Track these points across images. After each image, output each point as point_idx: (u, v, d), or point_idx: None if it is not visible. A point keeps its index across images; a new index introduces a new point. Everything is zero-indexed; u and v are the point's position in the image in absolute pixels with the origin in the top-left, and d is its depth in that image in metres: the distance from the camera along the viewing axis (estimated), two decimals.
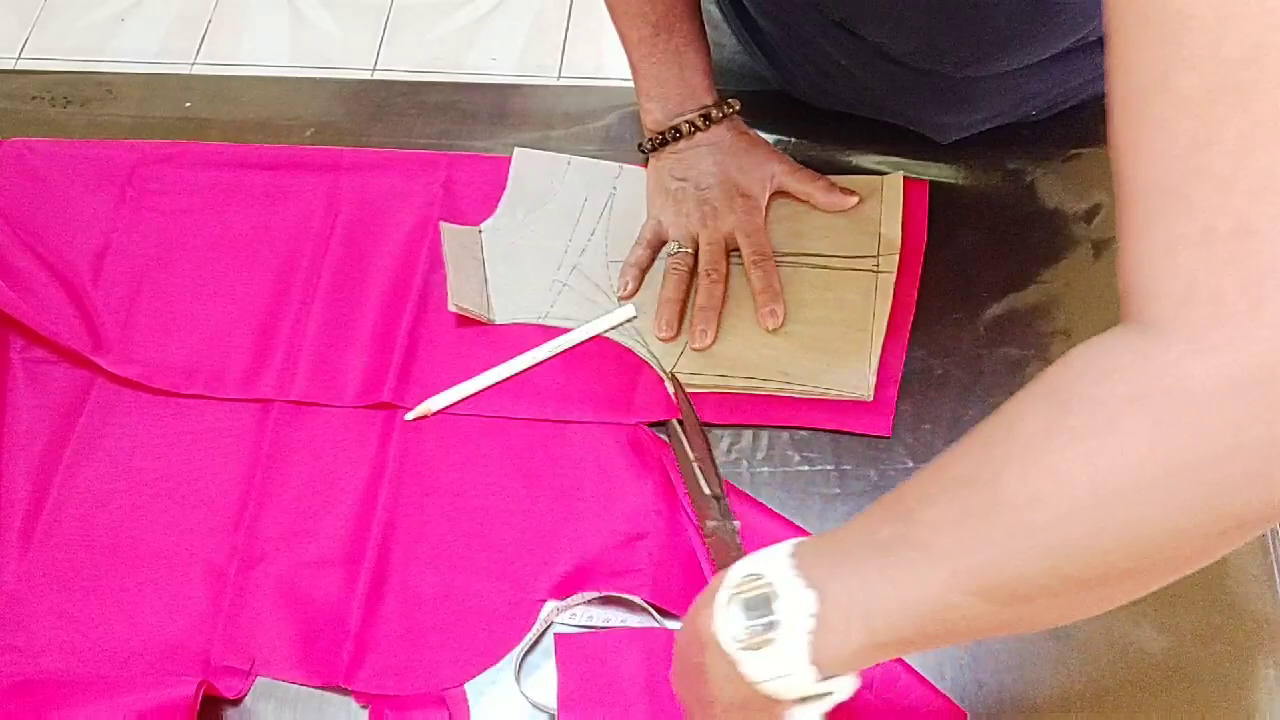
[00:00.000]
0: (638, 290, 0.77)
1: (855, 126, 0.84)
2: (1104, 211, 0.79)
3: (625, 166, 0.83)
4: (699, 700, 0.50)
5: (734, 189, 0.78)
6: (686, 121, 0.78)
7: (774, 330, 0.75)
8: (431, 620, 0.67)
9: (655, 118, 0.79)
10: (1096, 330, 0.39)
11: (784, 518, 0.67)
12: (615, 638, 0.63)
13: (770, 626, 0.44)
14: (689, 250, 0.77)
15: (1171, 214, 0.36)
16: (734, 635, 0.45)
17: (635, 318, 0.76)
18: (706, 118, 0.77)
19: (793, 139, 0.84)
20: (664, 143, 0.79)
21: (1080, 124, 0.81)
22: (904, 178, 0.80)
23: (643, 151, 0.81)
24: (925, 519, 0.41)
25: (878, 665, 0.62)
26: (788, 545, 0.47)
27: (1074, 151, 0.82)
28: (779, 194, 0.80)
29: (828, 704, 0.46)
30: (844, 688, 0.45)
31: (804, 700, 0.45)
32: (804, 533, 0.66)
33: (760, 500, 0.69)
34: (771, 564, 0.46)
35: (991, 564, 0.39)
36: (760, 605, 0.44)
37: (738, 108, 0.79)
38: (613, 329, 0.76)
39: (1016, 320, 0.75)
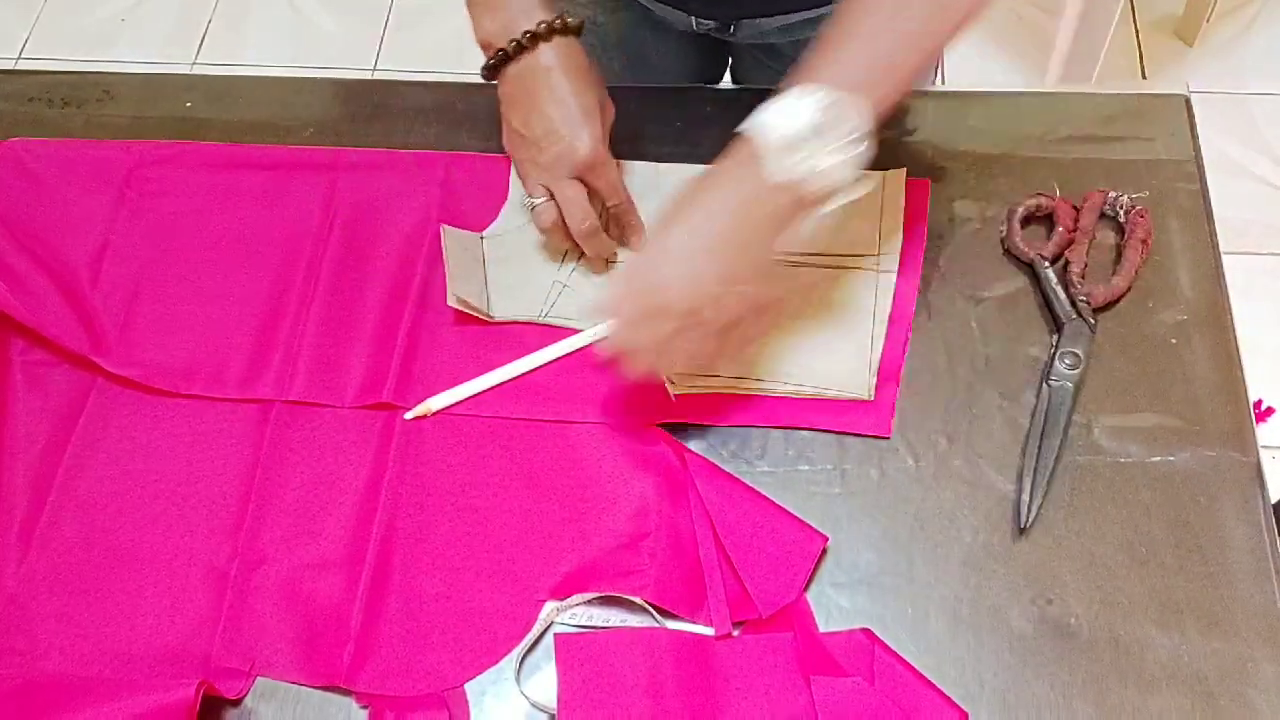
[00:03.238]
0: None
1: None
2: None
3: (624, 164, 0.83)
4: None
5: (578, 128, 0.73)
6: (525, 32, 0.72)
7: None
8: (432, 621, 0.67)
9: (484, 28, 0.74)
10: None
11: (798, 517, 0.67)
12: (615, 638, 0.63)
13: (835, 137, 0.60)
14: (544, 198, 0.74)
15: None
16: (798, 159, 0.60)
17: None
18: (547, 25, 0.72)
19: None
20: (495, 67, 0.74)
21: None
22: (905, 175, 0.80)
23: (483, 77, 0.76)
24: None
25: (880, 665, 0.62)
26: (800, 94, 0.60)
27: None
28: None
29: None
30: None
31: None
32: (816, 532, 0.66)
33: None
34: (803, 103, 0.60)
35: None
36: (824, 128, 0.60)
37: (578, 24, 0.74)
38: None
39: (1016, 318, 0.75)
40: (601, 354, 0.69)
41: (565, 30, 0.73)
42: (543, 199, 0.75)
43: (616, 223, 0.78)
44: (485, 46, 0.75)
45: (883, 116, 0.62)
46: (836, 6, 0.64)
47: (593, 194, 0.75)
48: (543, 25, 0.72)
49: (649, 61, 0.99)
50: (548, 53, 0.73)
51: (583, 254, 0.78)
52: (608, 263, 0.78)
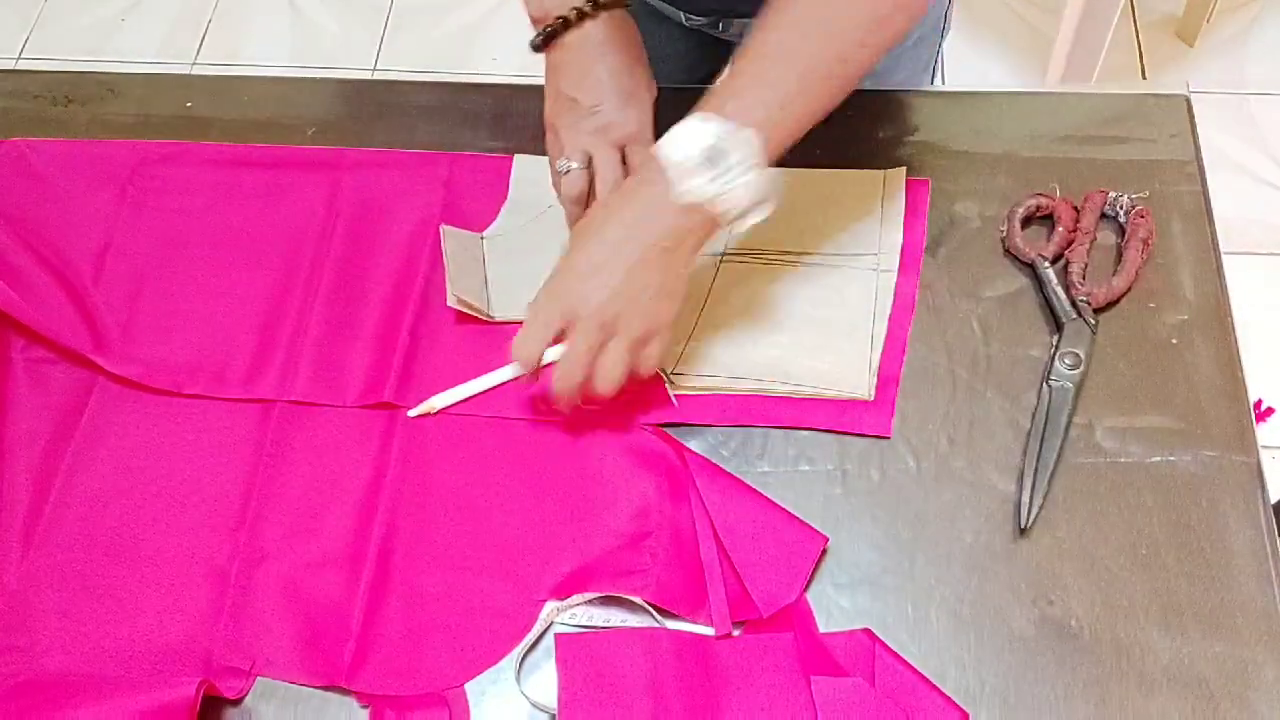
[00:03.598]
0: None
1: (852, 125, 0.84)
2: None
3: None
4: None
5: (626, 103, 0.74)
6: (574, 8, 0.74)
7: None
8: (433, 620, 0.67)
9: (538, 3, 0.75)
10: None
11: (798, 517, 0.67)
12: (616, 638, 0.63)
13: (728, 166, 0.63)
14: (582, 167, 0.75)
15: None
16: (700, 183, 0.63)
17: None
18: (595, 2, 0.74)
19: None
20: (553, 35, 0.75)
21: None
22: (905, 175, 0.80)
23: (533, 48, 0.77)
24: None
25: (881, 665, 0.62)
26: (702, 121, 0.64)
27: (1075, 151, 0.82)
28: None
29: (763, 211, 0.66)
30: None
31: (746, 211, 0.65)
32: (816, 532, 0.66)
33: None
34: (706, 131, 0.63)
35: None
36: (717, 155, 0.63)
37: (628, 2, 0.76)
38: None
39: (1017, 319, 0.75)
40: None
41: (617, 4, 0.75)
42: (577, 165, 0.75)
43: None
44: (540, 18, 0.76)
45: (780, 147, 0.65)
46: (750, 31, 0.66)
47: (628, 169, 0.75)
48: (590, 4, 0.74)
49: (650, 56, 0.99)
50: (603, 25, 0.74)
51: None
52: None
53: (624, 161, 0.75)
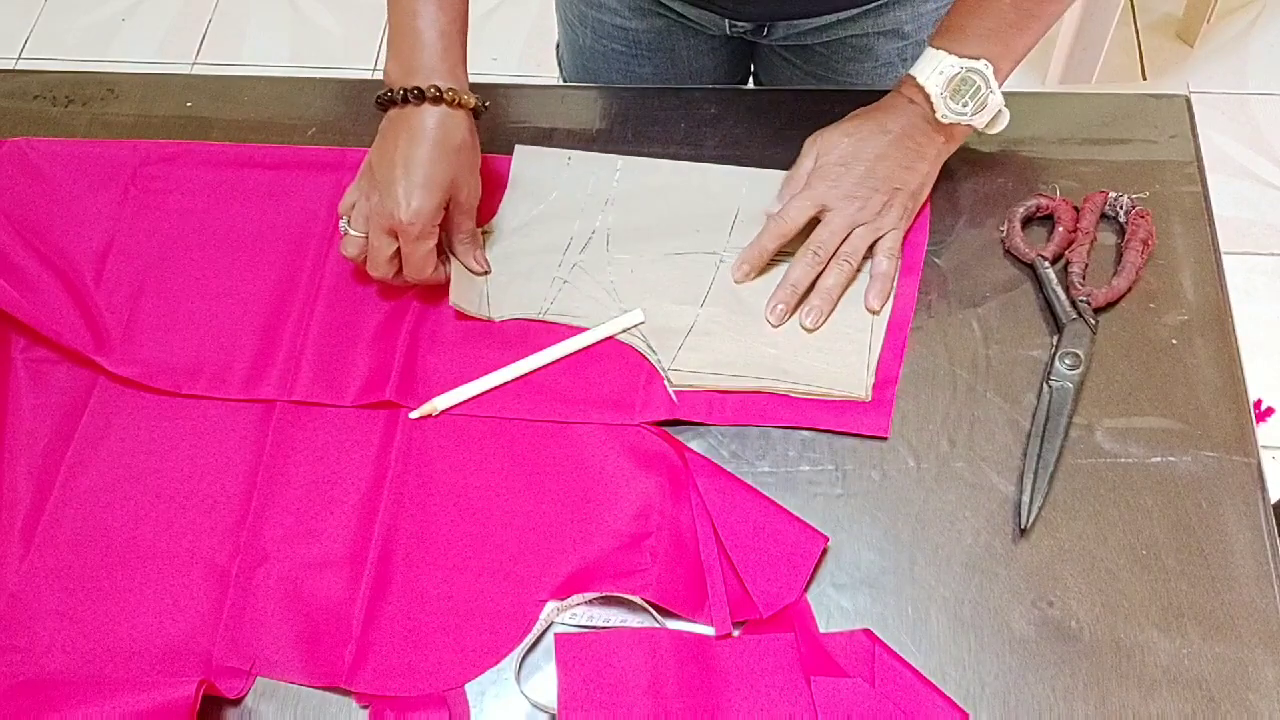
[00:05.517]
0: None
1: None
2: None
3: (625, 159, 0.83)
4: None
5: (413, 194, 0.72)
6: (415, 89, 0.72)
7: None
8: (433, 620, 0.67)
9: (389, 72, 0.74)
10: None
11: (799, 517, 0.67)
12: (615, 638, 0.63)
13: (974, 89, 0.75)
14: (360, 234, 0.75)
15: None
16: (956, 107, 0.75)
17: (643, 322, 0.76)
18: (437, 96, 0.72)
19: (804, 136, 0.84)
20: (389, 104, 0.73)
21: None
22: None
23: (375, 104, 0.75)
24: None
25: (881, 666, 0.62)
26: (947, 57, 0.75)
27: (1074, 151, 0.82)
28: None
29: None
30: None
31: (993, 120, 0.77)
32: (816, 532, 0.66)
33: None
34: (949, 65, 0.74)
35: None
36: (964, 83, 0.75)
37: (474, 104, 0.74)
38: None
39: (1018, 319, 0.75)
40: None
41: (457, 105, 0.73)
42: (356, 233, 0.75)
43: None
44: (386, 81, 0.75)
45: (1006, 71, 0.76)
46: None
47: (444, 224, 0.75)
48: (434, 90, 0.72)
49: (679, 66, 1.00)
50: (431, 116, 0.72)
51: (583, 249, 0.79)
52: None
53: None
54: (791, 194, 0.77)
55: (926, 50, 0.76)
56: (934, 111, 0.75)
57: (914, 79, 0.76)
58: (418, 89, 0.72)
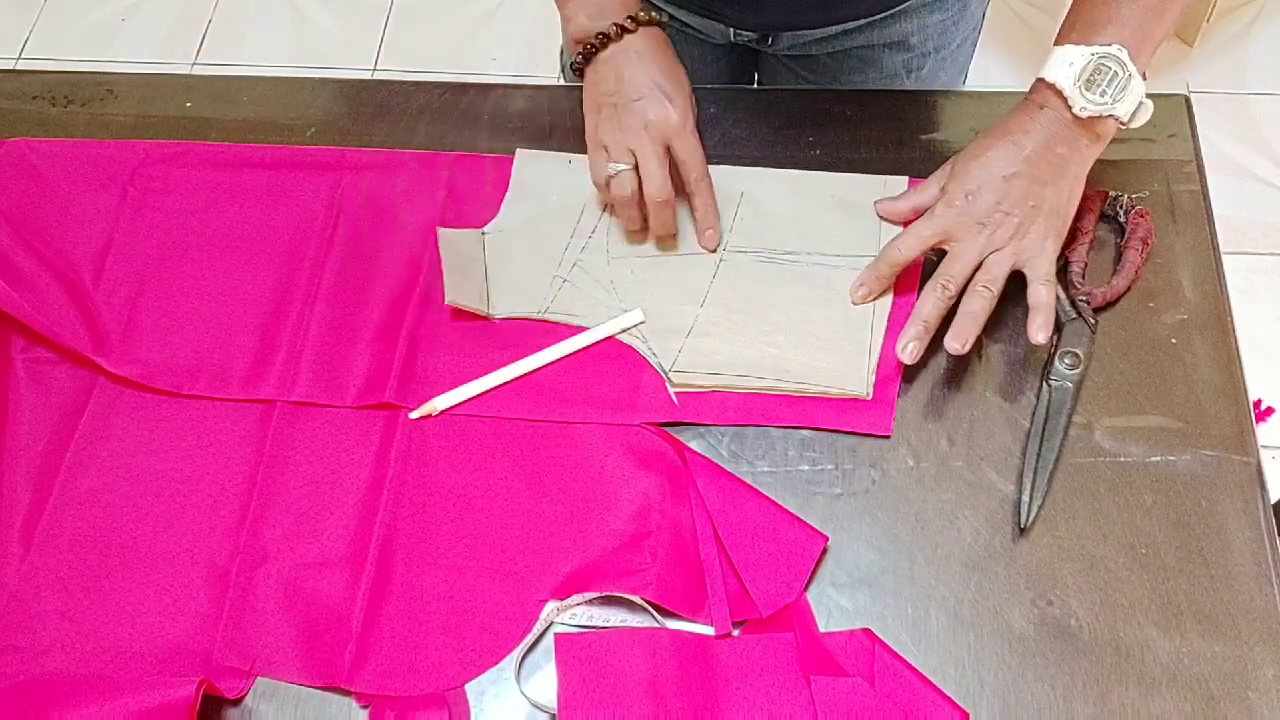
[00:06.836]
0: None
1: (852, 126, 0.84)
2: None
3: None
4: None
5: (667, 99, 0.76)
6: (614, 24, 0.77)
7: (714, 250, 0.78)
8: (433, 620, 0.67)
9: (579, 23, 0.78)
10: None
11: (798, 516, 0.67)
12: (615, 638, 0.63)
13: (1112, 78, 0.70)
14: (630, 168, 0.76)
15: None
16: (1094, 98, 0.70)
17: (644, 322, 0.76)
18: (634, 19, 0.77)
19: (803, 136, 0.84)
20: (593, 52, 0.77)
21: None
22: (907, 180, 0.80)
23: (575, 70, 0.80)
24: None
25: (881, 665, 0.62)
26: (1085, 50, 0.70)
27: None
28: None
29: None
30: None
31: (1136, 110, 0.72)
32: (816, 532, 0.66)
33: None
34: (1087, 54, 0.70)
35: None
36: (1099, 74, 0.70)
37: (665, 20, 0.79)
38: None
39: (1017, 319, 0.75)
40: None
41: (651, 23, 0.78)
42: (624, 166, 0.76)
43: (690, 199, 0.79)
44: (579, 40, 0.78)
45: (1143, 57, 0.72)
46: None
47: (673, 167, 0.77)
48: (630, 20, 0.77)
49: None
50: (637, 40, 0.77)
51: (594, 240, 0.79)
52: (670, 238, 0.79)
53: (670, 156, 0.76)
54: (913, 207, 0.77)
55: (1052, 50, 0.72)
56: (1070, 108, 0.70)
57: (1043, 79, 0.72)
58: (618, 24, 0.77)
